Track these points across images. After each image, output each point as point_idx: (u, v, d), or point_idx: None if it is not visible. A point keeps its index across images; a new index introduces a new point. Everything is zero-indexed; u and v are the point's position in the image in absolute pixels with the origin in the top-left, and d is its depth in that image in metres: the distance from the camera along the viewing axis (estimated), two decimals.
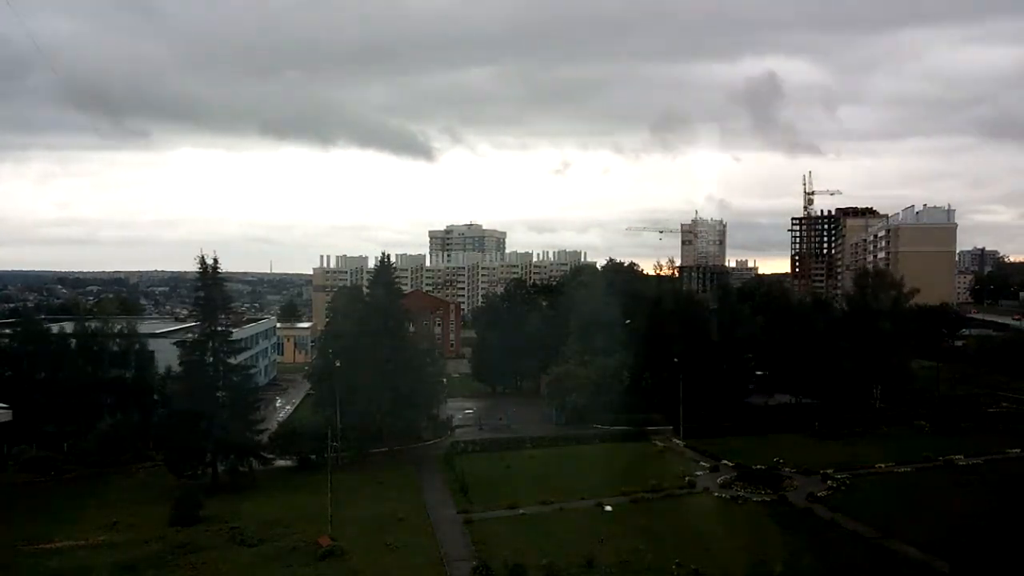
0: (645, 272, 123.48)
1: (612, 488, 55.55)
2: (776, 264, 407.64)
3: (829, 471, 60.58)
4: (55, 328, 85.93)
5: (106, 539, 48.82)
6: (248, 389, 70.23)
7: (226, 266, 67.61)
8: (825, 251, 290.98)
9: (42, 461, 68.40)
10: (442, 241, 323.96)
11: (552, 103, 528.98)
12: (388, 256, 79.18)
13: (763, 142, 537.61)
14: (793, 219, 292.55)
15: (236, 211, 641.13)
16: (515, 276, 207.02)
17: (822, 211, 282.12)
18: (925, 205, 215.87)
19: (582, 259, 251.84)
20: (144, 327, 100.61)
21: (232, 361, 66.93)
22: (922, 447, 68.86)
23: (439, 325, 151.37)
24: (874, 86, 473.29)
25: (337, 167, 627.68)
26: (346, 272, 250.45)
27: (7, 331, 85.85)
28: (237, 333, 73.33)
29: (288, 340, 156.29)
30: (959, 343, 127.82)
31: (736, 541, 45.21)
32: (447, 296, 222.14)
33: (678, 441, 73.98)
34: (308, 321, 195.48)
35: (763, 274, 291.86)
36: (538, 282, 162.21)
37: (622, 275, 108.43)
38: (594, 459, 65.99)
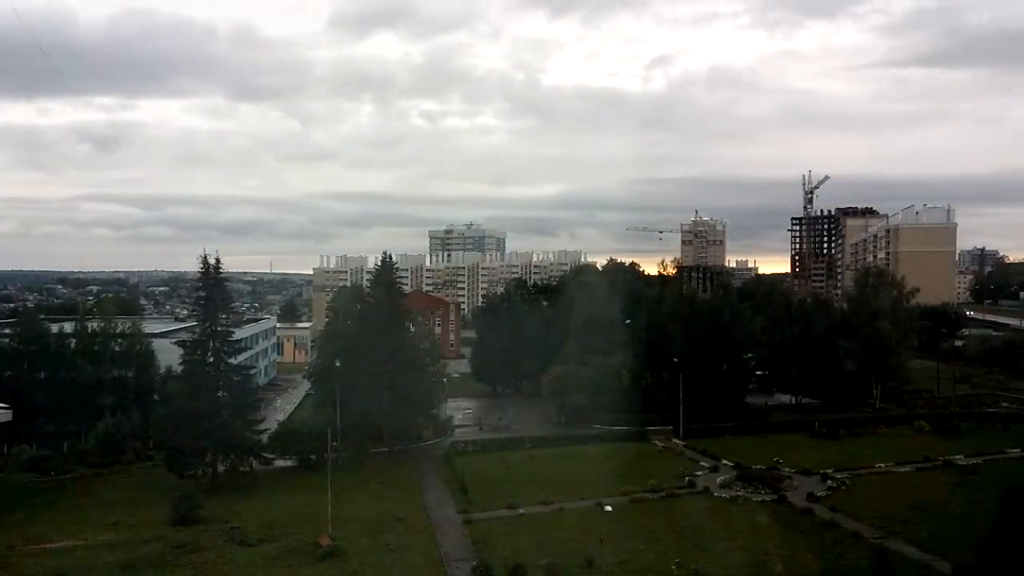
0: (645, 272, 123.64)
1: (612, 488, 55.56)
2: (776, 264, 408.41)
3: (829, 471, 60.66)
4: (55, 328, 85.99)
5: (106, 539, 48.76)
6: (248, 389, 70.22)
7: (226, 266, 67.41)
8: (825, 251, 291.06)
9: (42, 461, 68.39)
10: (442, 241, 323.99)
11: None
12: (390, 256, 78.96)
13: None
14: (793, 219, 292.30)
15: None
16: (515, 276, 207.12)
17: (822, 211, 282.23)
18: (925, 205, 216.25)
19: (582, 259, 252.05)
20: (144, 327, 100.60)
21: (232, 361, 66.84)
22: (922, 447, 68.95)
23: (439, 325, 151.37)
24: None
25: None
26: (346, 272, 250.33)
27: (7, 331, 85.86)
28: (237, 333, 73.20)
29: (288, 340, 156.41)
30: (959, 343, 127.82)
31: (736, 541, 45.20)
32: (447, 296, 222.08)
33: (678, 441, 73.98)
34: (308, 321, 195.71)
35: (763, 274, 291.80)
36: (538, 282, 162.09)
37: (622, 275, 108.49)
38: (594, 459, 65.97)
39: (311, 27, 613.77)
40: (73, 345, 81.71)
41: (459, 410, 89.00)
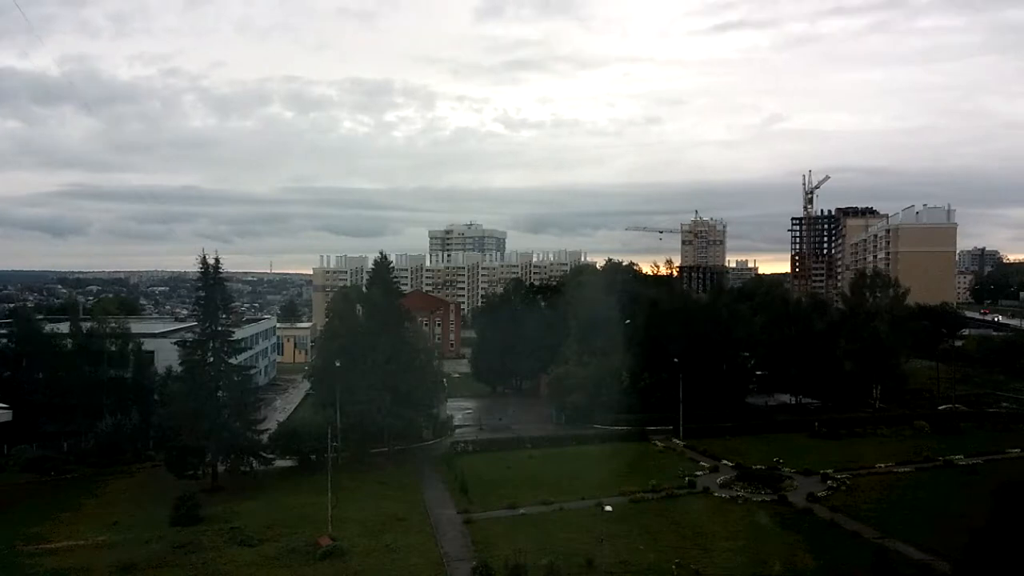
0: (645, 272, 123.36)
1: (612, 488, 55.55)
2: (776, 264, 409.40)
3: (829, 471, 60.64)
4: (54, 328, 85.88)
5: (106, 539, 48.80)
6: (248, 389, 70.09)
7: (226, 266, 67.38)
8: (825, 251, 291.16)
9: (42, 461, 68.41)
10: (442, 241, 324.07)
11: None
12: (386, 256, 78.96)
13: None
14: (793, 219, 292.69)
15: None
16: (515, 276, 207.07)
17: (822, 211, 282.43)
18: (925, 205, 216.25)
19: (582, 259, 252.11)
20: (144, 327, 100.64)
21: (232, 361, 66.84)
22: (922, 447, 68.95)
23: (439, 325, 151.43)
24: None
25: None
26: (346, 272, 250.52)
27: (6, 331, 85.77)
28: (237, 333, 73.16)
29: (288, 340, 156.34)
30: (959, 343, 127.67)
31: (736, 541, 45.21)
32: (447, 296, 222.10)
33: (678, 441, 73.97)
34: (308, 321, 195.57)
35: (763, 274, 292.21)
36: (538, 282, 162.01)
37: (622, 275, 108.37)
38: (594, 459, 65.93)
39: None
40: (72, 345, 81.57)
41: (459, 410, 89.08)
